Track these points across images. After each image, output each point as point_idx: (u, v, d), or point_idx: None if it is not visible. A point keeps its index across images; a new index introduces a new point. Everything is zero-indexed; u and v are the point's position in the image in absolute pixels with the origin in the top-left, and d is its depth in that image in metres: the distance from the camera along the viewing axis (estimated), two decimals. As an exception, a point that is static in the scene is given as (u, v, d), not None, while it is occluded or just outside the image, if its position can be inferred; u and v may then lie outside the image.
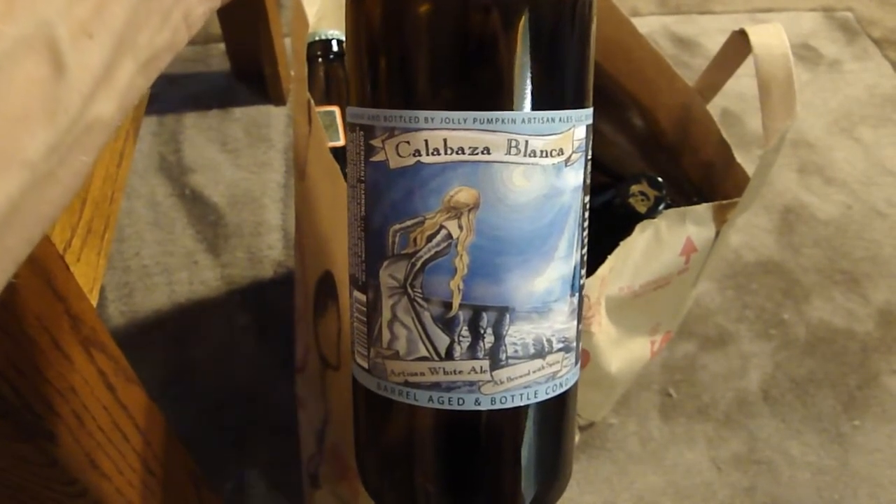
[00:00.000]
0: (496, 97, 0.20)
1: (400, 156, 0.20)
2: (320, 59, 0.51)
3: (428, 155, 0.20)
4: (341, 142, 0.48)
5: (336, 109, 0.49)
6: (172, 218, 0.84)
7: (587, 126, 0.22)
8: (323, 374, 0.46)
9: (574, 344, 0.23)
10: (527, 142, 0.20)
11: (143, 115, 0.86)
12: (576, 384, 0.24)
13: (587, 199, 0.23)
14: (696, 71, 0.51)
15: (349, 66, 0.23)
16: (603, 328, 0.44)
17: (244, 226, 0.84)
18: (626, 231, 0.41)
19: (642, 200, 0.45)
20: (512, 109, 0.20)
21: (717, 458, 0.68)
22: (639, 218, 0.43)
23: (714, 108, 0.49)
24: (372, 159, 0.21)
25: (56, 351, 0.32)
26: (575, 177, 0.22)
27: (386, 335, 0.22)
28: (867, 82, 1.10)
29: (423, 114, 0.20)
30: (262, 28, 0.89)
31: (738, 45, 0.46)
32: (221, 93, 0.99)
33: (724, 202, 0.45)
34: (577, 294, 0.23)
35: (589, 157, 0.23)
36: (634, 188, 0.46)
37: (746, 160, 0.44)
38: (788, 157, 0.98)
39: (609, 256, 0.41)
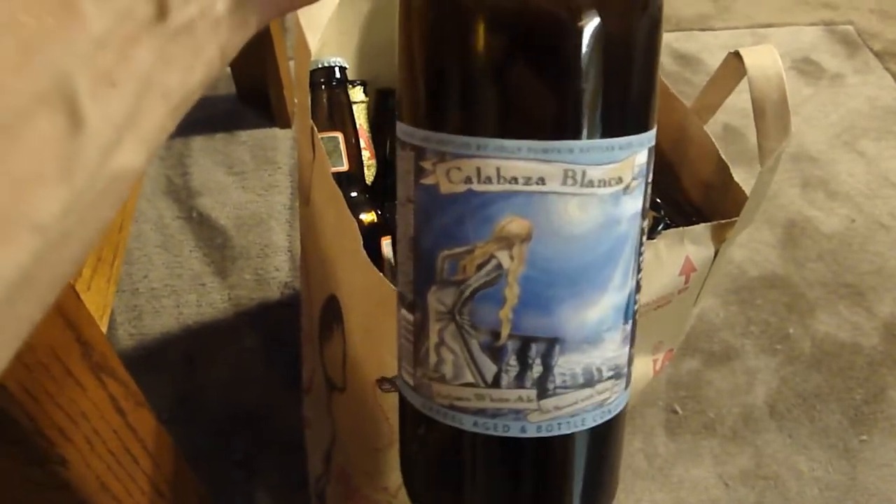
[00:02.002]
0: (552, 126, 0.19)
1: (451, 181, 0.20)
2: (323, 86, 0.52)
3: (480, 183, 0.19)
4: (345, 167, 0.49)
5: (339, 135, 0.50)
6: (180, 241, 0.85)
7: (649, 149, 0.21)
8: (329, 396, 0.47)
9: (625, 370, 0.22)
10: (584, 172, 0.19)
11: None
12: (625, 408, 0.23)
13: (645, 223, 0.22)
14: (698, 87, 0.51)
15: (400, 82, 0.22)
16: (605, 347, 0.45)
17: (251, 248, 0.85)
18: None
19: (641, 221, 0.46)
20: (569, 139, 0.19)
21: (724, 474, 0.68)
22: (638, 238, 0.44)
23: (716, 123, 0.50)
24: (422, 181, 0.21)
25: (68, 377, 0.33)
26: (633, 204, 0.20)
27: (433, 358, 0.21)
28: (869, 95, 1.11)
29: (475, 140, 0.19)
30: (267, 52, 0.90)
31: (734, 66, 0.47)
32: (227, 116, 1.00)
33: (722, 222, 0.45)
34: (630, 321, 0.22)
35: (650, 179, 0.21)
36: (633, 209, 0.46)
37: (749, 175, 0.44)
38: (791, 171, 0.99)
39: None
